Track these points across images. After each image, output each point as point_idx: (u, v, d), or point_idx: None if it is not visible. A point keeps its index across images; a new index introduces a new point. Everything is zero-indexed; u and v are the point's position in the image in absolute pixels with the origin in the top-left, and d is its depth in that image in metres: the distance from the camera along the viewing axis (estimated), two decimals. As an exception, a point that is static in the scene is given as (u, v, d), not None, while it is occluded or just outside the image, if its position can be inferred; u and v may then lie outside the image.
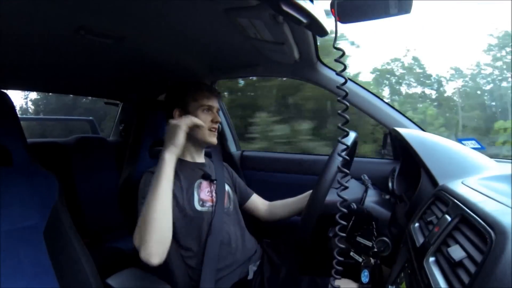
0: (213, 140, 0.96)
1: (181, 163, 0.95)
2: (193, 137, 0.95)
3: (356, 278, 0.81)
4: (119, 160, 1.71)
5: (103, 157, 1.72)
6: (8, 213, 0.72)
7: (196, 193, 0.92)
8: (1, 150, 0.76)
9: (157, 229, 0.73)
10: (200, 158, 1.01)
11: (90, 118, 3.11)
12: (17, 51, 0.89)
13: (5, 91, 0.79)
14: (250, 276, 0.92)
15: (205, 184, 0.96)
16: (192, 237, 0.88)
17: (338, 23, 0.56)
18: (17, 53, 0.91)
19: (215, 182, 0.97)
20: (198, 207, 0.90)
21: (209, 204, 0.93)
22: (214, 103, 0.96)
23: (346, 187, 0.63)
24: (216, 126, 0.96)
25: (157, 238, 0.73)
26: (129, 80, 1.40)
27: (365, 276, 0.78)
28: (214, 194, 0.95)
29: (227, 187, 1.01)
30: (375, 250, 0.78)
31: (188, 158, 0.98)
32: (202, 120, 0.93)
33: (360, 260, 0.80)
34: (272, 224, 1.11)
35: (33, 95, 7.28)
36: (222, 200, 0.94)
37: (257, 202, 1.11)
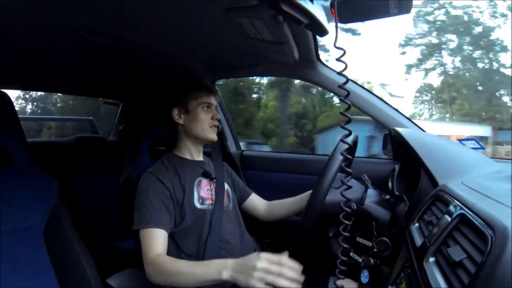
0: (213, 137, 0.97)
1: (180, 161, 0.96)
2: (193, 134, 0.96)
3: (356, 278, 0.81)
4: (119, 160, 1.71)
5: (103, 157, 1.72)
6: (8, 213, 0.72)
7: (196, 191, 0.92)
8: (1, 150, 0.76)
9: (175, 284, 0.75)
10: (199, 156, 1.02)
11: (90, 118, 3.11)
12: (17, 51, 0.89)
13: (5, 91, 0.79)
14: None
15: (205, 182, 0.96)
16: (193, 237, 0.88)
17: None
18: (17, 53, 0.91)
19: (214, 180, 0.97)
20: (197, 204, 0.90)
21: (208, 202, 0.93)
22: (213, 101, 0.98)
23: (350, 187, 0.63)
24: (216, 123, 0.97)
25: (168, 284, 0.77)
26: (129, 80, 1.40)
27: (365, 276, 0.78)
28: (213, 193, 0.95)
29: (226, 186, 1.01)
30: (375, 250, 0.78)
31: (187, 156, 0.99)
32: (202, 117, 0.94)
33: (360, 260, 0.80)
34: (272, 224, 1.11)
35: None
36: (221, 199, 0.94)
37: (256, 201, 1.11)
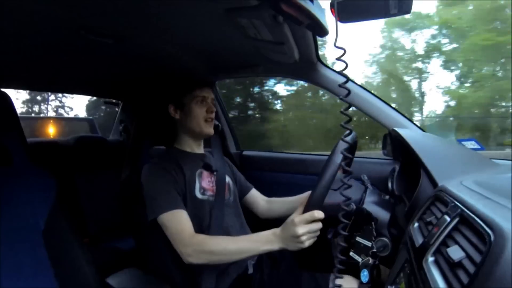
0: (210, 131, 0.97)
1: (182, 154, 0.96)
2: (190, 129, 0.96)
3: (356, 276, 0.81)
4: (119, 160, 1.71)
5: (103, 157, 1.72)
6: (7, 213, 0.72)
7: (198, 181, 0.92)
8: (1, 150, 0.76)
9: (218, 262, 0.79)
10: (200, 150, 1.02)
11: (90, 118, 3.11)
12: (17, 51, 0.89)
13: (5, 91, 0.79)
14: (250, 271, 0.91)
15: (206, 174, 0.96)
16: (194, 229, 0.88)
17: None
18: (17, 53, 0.91)
19: (215, 173, 0.97)
20: (198, 195, 0.90)
21: (209, 193, 0.93)
22: (208, 94, 0.98)
23: (350, 186, 0.63)
24: (212, 116, 0.97)
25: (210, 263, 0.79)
26: (129, 80, 1.40)
27: (364, 276, 0.78)
28: (214, 185, 0.95)
29: (227, 179, 1.01)
30: (375, 250, 0.78)
31: (188, 149, 0.99)
32: (197, 111, 0.94)
33: (360, 260, 0.80)
34: (272, 220, 1.11)
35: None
36: (222, 191, 0.94)
37: (256, 197, 1.11)
